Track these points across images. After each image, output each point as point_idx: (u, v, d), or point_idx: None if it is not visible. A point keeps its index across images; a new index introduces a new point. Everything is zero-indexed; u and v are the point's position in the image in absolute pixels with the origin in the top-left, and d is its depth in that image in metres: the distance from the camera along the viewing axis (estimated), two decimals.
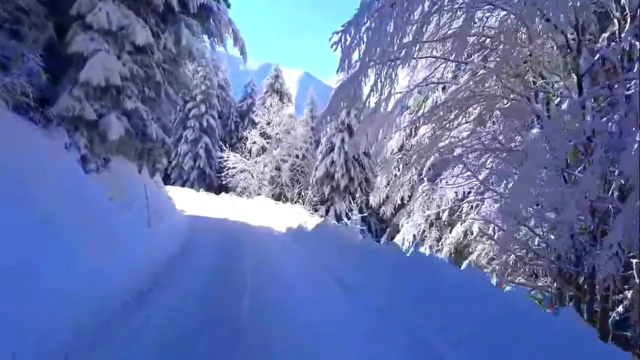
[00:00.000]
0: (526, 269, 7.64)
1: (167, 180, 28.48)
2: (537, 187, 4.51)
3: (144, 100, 8.34)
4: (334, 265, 5.63)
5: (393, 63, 5.89)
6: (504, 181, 7.46)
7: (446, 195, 8.32)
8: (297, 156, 24.20)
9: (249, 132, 24.25)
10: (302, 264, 6.20)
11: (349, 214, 16.98)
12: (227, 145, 26.32)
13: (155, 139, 8.53)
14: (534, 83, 5.65)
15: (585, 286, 5.33)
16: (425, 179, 8.81)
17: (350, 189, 21.19)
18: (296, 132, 24.06)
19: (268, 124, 23.65)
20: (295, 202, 17.97)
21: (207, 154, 28.94)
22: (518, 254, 7.00)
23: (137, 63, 7.13)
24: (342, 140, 21.06)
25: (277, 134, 23.58)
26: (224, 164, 23.88)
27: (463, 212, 8.82)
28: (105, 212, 5.49)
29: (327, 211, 20.64)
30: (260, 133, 23.94)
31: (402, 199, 13.98)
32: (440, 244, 10.48)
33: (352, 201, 17.85)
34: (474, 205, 8.89)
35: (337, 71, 5.40)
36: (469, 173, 7.24)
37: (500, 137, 6.16)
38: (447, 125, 6.42)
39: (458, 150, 6.83)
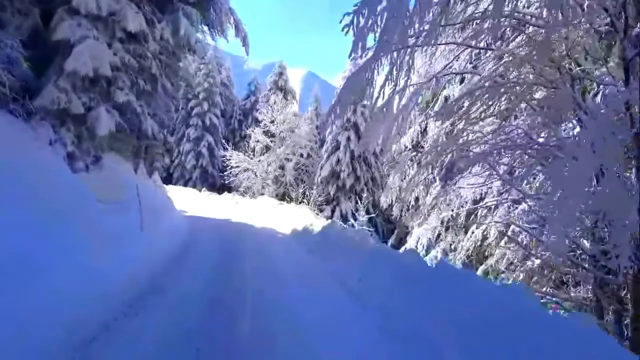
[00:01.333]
0: (552, 276, 7.02)
1: (169, 179, 28.06)
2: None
3: (139, 94, 7.79)
4: (346, 275, 5.02)
5: (411, 49, 5.30)
6: (527, 180, 6.86)
7: (463, 195, 7.70)
8: (302, 155, 23.61)
9: (252, 130, 23.68)
10: (310, 273, 5.58)
11: (356, 214, 16.37)
12: (230, 144, 25.79)
13: (151, 135, 7.98)
14: (570, 70, 5.03)
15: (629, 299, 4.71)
16: (437, 178, 8.20)
17: (357, 189, 20.58)
18: (300, 130, 23.46)
19: (272, 122, 23.08)
20: (300, 202, 17.40)
21: (210, 153, 28.44)
22: (545, 259, 6.38)
23: (129, 52, 6.58)
24: (348, 139, 20.46)
25: (281, 132, 23.01)
26: (227, 162, 23.35)
27: (479, 214, 8.19)
28: (90, 216, 4.93)
29: (333, 211, 20.05)
30: (264, 131, 23.37)
31: (416, 199, 13.39)
32: (452, 247, 9.87)
33: (359, 201, 17.24)
34: (493, 206, 8.27)
35: (350, 56, 4.80)
36: (489, 172, 6.63)
37: (531, 131, 5.54)
38: (469, 119, 5.81)
39: (477, 149, 6.22)
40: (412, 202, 8.37)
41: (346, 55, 5.15)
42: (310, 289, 4.78)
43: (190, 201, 16.93)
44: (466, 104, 5.83)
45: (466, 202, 7.74)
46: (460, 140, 5.96)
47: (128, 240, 5.05)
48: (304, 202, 17.96)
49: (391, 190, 8.41)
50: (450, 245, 9.71)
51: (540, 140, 5.59)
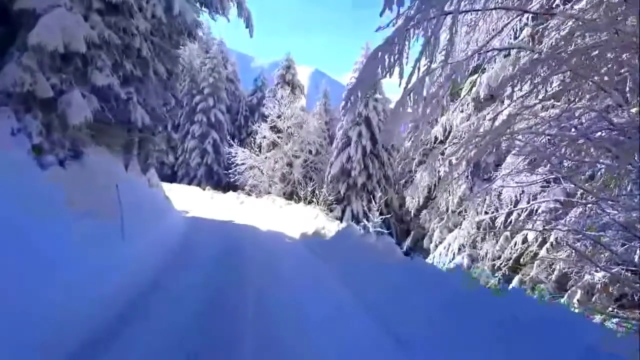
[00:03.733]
0: (615, 291, 5.88)
1: (173, 178, 27.23)
2: None
3: (127, 80, 6.80)
4: (375, 302, 3.94)
5: (453, 16, 4.23)
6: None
7: (504, 196, 6.55)
8: (310, 151, 22.52)
9: (258, 126, 22.63)
10: (329, 298, 4.45)
11: (368, 214, 15.26)
12: (236, 141, 24.79)
13: (142, 126, 6.97)
14: None
15: None
16: (468, 174, 7.08)
17: (368, 187, 19.45)
18: (309, 126, 22.36)
19: (279, 117, 22.00)
20: (308, 202, 16.34)
21: (215, 150, 27.51)
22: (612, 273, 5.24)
23: (110, 27, 5.56)
24: (360, 134, 19.31)
25: (288, 127, 21.93)
26: (232, 160, 22.35)
27: (515, 218, 7.03)
28: (46, 224, 3.93)
29: (344, 211, 18.96)
30: (271, 127, 22.31)
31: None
32: (485, 255, 8.71)
33: (372, 200, 16.12)
34: (535, 209, 7.12)
35: (381, 14, 3.77)
36: (539, 168, 5.48)
37: (600, 117, 4.39)
38: (520, 104, 4.68)
39: (528, 139, 5.07)
40: (444, 205, 7.23)
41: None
42: (334, 326, 3.66)
43: (192, 201, 16.01)
44: (516, 85, 4.71)
45: (508, 203, 6.58)
46: (507, 130, 4.82)
47: (96, 254, 4.03)
48: (313, 201, 16.88)
49: (417, 189, 7.29)
50: (481, 252, 8.56)
51: (613, 127, 4.46)
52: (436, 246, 11.42)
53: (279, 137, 22.15)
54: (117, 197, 6.20)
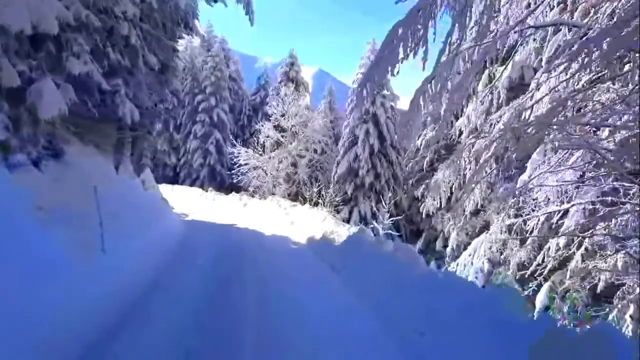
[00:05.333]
0: None
1: (175, 179, 26.65)
2: None
3: (114, 70, 6.14)
4: (409, 336, 3.18)
5: None
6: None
7: (538, 197, 5.78)
8: (316, 151, 21.80)
9: (261, 125, 21.92)
10: (352, 330, 3.70)
11: (377, 215, 14.53)
12: (239, 141, 24.11)
13: (130, 122, 6.29)
14: None
15: None
16: (497, 173, 6.31)
17: (376, 187, 18.69)
18: (314, 124, 21.63)
19: (283, 115, 21.29)
20: (314, 203, 15.60)
21: (218, 151, 26.88)
22: None
23: (88, 7, 4.88)
24: (367, 132, 18.57)
25: (292, 126, 21.21)
26: (235, 160, 21.67)
27: (553, 220, 6.25)
28: (11, 234, 3.24)
29: (351, 212, 18.22)
30: (275, 126, 21.60)
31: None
32: (506, 260, 7.94)
33: (380, 201, 15.38)
34: (566, 211, 6.35)
35: None
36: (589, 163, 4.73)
37: None
38: (573, 89, 3.95)
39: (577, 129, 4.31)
40: (472, 205, 6.47)
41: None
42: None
43: (193, 203, 15.37)
44: (559, 67, 3.97)
45: (543, 204, 5.80)
46: (554, 120, 4.06)
47: (64, 272, 3.34)
48: (319, 202, 16.15)
49: (438, 187, 6.54)
50: (507, 257, 7.77)
51: None
52: (453, 249, 10.66)
53: (283, 136, 21.45)
54: (103, 200, 5.56)
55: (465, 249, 10.45)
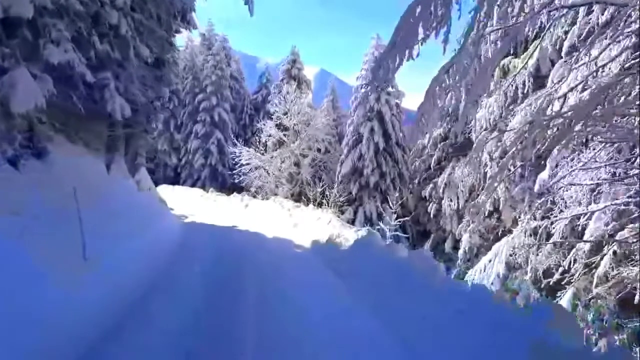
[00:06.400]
0: None
1: (176, 179, 26.26)
2: None
3: (103, 63, 5.68)
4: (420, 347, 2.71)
5: None
6: None
7: (565, 196, 5.26)
8: (319, 150, 21.30)
9: (263, 124, 21.44)
10: (354, 334, 3.25)
11: (382, 215, 14.03)
12: (240, 140, 23.64)
13: (120, 117, 5.84)
14: None
15: None
16: (523, 170, 5.80)
17: (381, 187, 18.18)
18: (317, 122, 21.12)
19: (285, 114, 20.80)
20: (318, 204, 15.12)
21: (220, 151, 26.45)
22: None
23: None
24: (372, 130, 18.06)
25: (295, 125, 20.72)
26: (237, 160, 21.21)
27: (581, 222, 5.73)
28: None
29: (356, 213, 17.72)
30: (277, 124, 21.12)
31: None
32: (522, 264, 7.42)
33: (386, 201, 14.88)
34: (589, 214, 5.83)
35: None
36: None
37: None
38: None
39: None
40: (488, 206, 5.96)
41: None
42: None
43: (193, 204, 14.94)
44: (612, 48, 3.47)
45: (567, 204, 5.29)
46: (595, 112, 3.55)
47: (36, 287, 2.88)
48: (322, 202, 15.66)
49: (457, 188, 6.04)
50: (523, 261, 7.25)
51: None
52: (465, 252, 10.15)
53: (285, 135, 20.97)
54: (90, 202, 5.11)
55: (478, 252, 9.94)
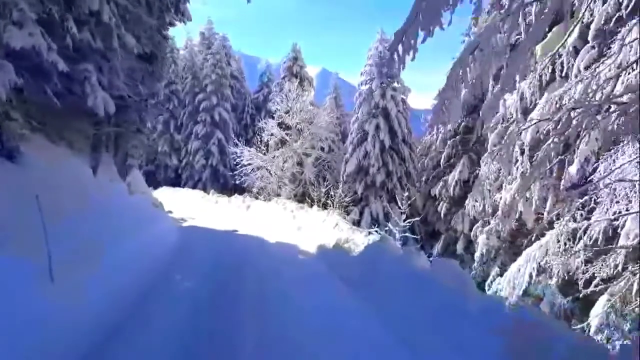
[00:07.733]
0: None
1: (177, 181, 25.75)
2: None
3: (83, 54, 5.10)
4: None
5: None
6: None
7: (604, 198, 4.61)
8: (322, 148, 20.67)
9: (265, 123, 20.83)
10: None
11: (395, 217, 13.37)
12: (242, 140, 23.06)
13: (103, 113, 5.24)
14: None
15: None
16: (562, 165, 5.14)
17: (388, 186, 17.54)
18: (320, 120, 20.49)
19: (287, 112, 20.18)
20: (323, 204, 14.50)
21: (221, 151, 25.90)
22: None
23: None
24: (377, 127, 17.42)
25: (297, 123, 20.09)
26: (238, 160, 20.61)
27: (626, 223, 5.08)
28: None
29: (362, 213, 17.10)
30: (279, 123, 20.51)
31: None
32: (551, 271, 6.75)
33: (393, 200, 14.23)
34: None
35: None
36: None
37: None
38: None
39: None
40: (518, 208, 5.32)
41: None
42: None
43: (193, 207, 14.37)
44: None
45: (611, 203, 4.63)
46: None
47: None
48: (327, 203, 15.04)
49: (483, 188, 5.42)
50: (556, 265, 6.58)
51: None
52: (482, 255, 9.51)
53: (287, 134, 20.35)
54: (68, 212, 4.56)
55: (496, 254, 9.28)
